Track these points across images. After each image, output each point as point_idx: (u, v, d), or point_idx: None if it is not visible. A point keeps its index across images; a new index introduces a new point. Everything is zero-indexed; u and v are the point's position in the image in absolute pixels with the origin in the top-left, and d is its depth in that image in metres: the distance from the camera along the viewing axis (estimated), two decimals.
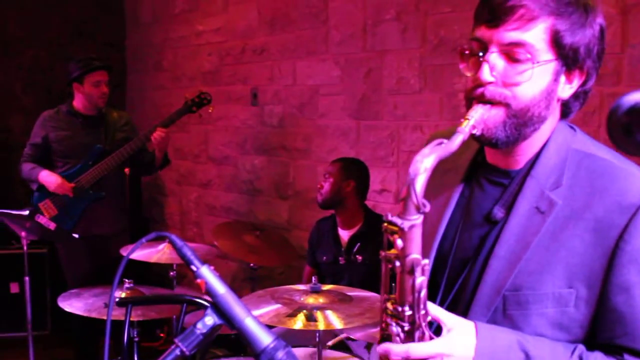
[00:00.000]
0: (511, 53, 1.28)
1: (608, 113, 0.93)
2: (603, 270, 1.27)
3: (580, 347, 1.30)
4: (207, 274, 1.07)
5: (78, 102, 4.38)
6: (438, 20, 3.55)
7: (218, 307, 1.06)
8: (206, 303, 2.40)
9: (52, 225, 3.88)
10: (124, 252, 3.75)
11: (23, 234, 3.81)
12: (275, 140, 4.76)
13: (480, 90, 1.30)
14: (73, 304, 3.21)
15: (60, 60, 5.91)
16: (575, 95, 1.36)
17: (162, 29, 5.83)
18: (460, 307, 1.37)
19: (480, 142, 1.35)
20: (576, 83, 1.34)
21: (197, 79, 5.44)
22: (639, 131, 0.74)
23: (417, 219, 1.17)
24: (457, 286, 1.40)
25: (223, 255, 4.69)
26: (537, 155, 1.37)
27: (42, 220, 3.87)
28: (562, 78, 1.33)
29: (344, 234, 3.60)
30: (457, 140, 1.24)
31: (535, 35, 1.27)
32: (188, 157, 5.68)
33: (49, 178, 4.24)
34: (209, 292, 1.07)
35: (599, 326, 1.30)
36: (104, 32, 6.19)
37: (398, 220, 1.16)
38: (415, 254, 1.18)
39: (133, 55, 6.29)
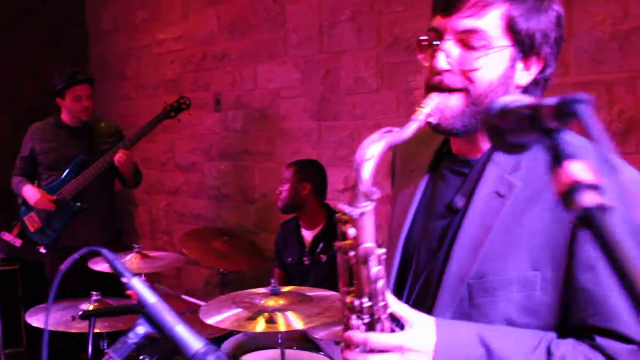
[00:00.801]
0: (466, 40, 1.28)
1: (482, 116, 0.95)
2: (566, 250, 1.24)
3: (549, 337, 1.26)
4: (138, 285, 1.10)
5: (64, 115, 4.40)
6: (392, 19, 3.59)
7: (149, 317, 1.09)
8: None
9: (17, 242, 3.89)
10: (94, 265, 3.75)
11: None
12: (239, 145, 4.78)
13: (437, 78, 1.29)
14: (41, 319, 3.22)
15: (27, 74, 5.90)
16: (535, 82, 1.34)
17: (125, 38, 5.83)
18: (428, 299, 1.35)
19: (438, 132, 1.33)
20: (534, 70, 1.32)
21: (160, 87, 5.45)
22: (509, 132, 0.77)
23: (368, 206, 1.16)
24: (422, 279, 1.39)
25: (194, 262, 4.71)
26: None
27: (8, 237, 3.87)
28: (520, 65, 1.31)
29: (307, 235, 3.64)
30: (411, 127, 1.23)
31: (489, 21, 1.27)
32: (155, 166, 5.68)
33: (29, 192, 4.27)
34: (140, 302, 1.09)
35: (570, 308, 1.26)
36: (68, 43, 6.17)
37: (348, 209, 1.16)
38: (368, 243, 1.17)
39: (97, 65, 6.28)
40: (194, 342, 1.08)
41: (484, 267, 1.29)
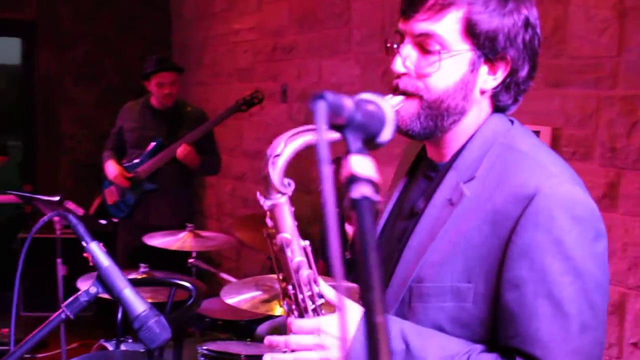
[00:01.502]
0: (423, 44, 1.27)
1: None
2: (498, 265, 1.22)
3: (475, 348, 1.25)
4: (95, 249, 1.21)
5: (153, 97, 4.65)
6: None
7: (101, 279, 1.19)
8: (190, 286, 2.55)
9: (80, 211, 4.12)
10: (148, 240, 3.92)
11: (56, 219, 4.06)
12: None
13: (395, 81, 1.30)
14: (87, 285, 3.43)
15: (109, 55, 6.20)
16: (505, 87, 1.31)
17: (204, 27, 6.04)
18: None
19: (399, 133, 1.31)
20: (501, 74, 1.29)
21: (234, 76, 5.62)
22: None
23: (280, 198, 1.21)
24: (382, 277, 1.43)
25: (246, 245, 4.85)
26: (462, 148, 1.33)
27: (71, 205, 4.10)
28: (484, 69, 1.29)
29: (350, 229, 3.69)
30: None
31: (446, 25, 1.25)
32: (224, 151, 5.85)
33: (109, 167, 4.56)
34: (95, 264, 1.20)
35: (498, 325, 1.24)
36: (152, 28, 6.44)
37: (261, 200, 1.21)
38: (285, 234, 1.23)
39: (178, 52, 6.52)
40: (138, 305, 1.18)
41: (423, 273, 1.29)
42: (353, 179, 0.62)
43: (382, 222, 1.49)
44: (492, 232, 1.23)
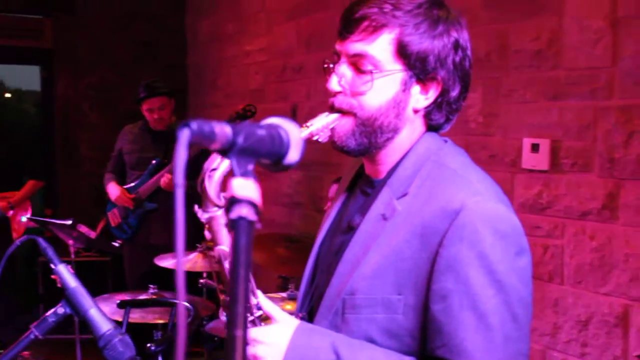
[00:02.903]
0: (357, 64, 1.32)
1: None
2: (427, 277, 1.26)
3: (404, 359, 1.28)
4: (63, 271, 1.26)
5: None
6: None
7: (68, 299, 1.24)
8: (189, 306, 2.59)
9: (92, 234, 4.21)
10: (159, 262, 3.98)
11: (70, 242, 4.16)
12: (311, 155, 4.90)
13: (330, 100, 1.36)
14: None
15: (125, 79, 6.32)
16: (437, 106, 1.36)
17: (217, 49, 6.13)
18: (315, 309, 1.42)
19: (335, 149, 1.39)
20: (432, 94, 1.35)
21: (246, 97, 5.69)
22: None
23: (217, 211, 1.23)
24: (318, 289, 1.46)
25: (262, 266, 4.89)
26: (397, 165, 1.38)
27: (83, 229, 4.19)
28: (416, 88, 1.34)
29: None
30: None
31: (379, 46, 1.30)
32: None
33: (111, 189, 4.66)
34: (63, 285, 1.25)
35: (426, 336, 1.28)
36: (167, 52, 6.55)
37: (199, 213, 1.24)
38: (223, 246, 1.26)
39: (194, 75, 6.62)
40: (103, 324, 1.22)
41: (356, 285, 1.33)
42: (233, 201, 0.66)
43: (321, 235, 1.53)
44: (421, 246, 1.27)
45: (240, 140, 0.73)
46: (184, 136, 0.65)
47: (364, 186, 1.47)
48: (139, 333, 3.92)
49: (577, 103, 2.93)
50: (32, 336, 1.22)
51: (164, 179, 4.48)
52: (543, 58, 3.05)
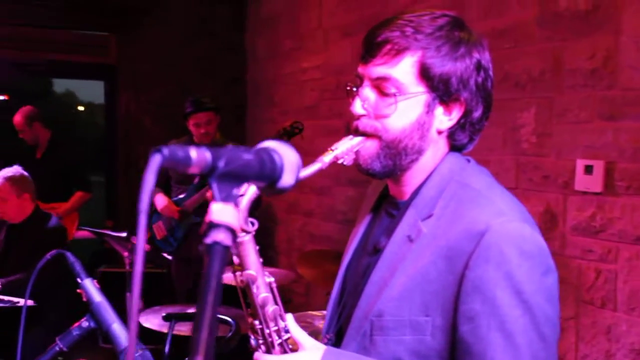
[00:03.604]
0: (380, 87, 1.34)
1: None
2: (454, 299, 1.27)
3: None
4: (89, 286, 1.28)
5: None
6: (502, 55, 3.57)
7: (93, 313, 1.26)
8: (230, 321, 2.61)
9: (146, 247, 4.29)
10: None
11: (125, 254, 4.25)
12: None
13: (355, 123, 1.37)
14: (148, 320, 3.55)
15: (186, 94, 6.43)
16: (461, 127, 1.37)
17: (274, 66, 6.20)
18: (343, 331, 1.42)
19: (360, 172, 1.40)
20: (456, 115, 1.36)
21: (301, 113, 5.71)
22: None
23: (245, 237, 1.26)
24: (346, 311, 1.46)
25: (299, 280, 4.90)
26: (421, 186, 1.39)
27: None
28: (440, 110, 1.36)
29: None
30: (311, 168, 1.33)
31: (402, 69, 1.32)
32: (294, 188, 5.94)
33: (158, 200, 4.74)
34: (88, 300, 1.27)
35: (454, 358, 1.28)
36: (228, 68, 6.65)
37: None
38: (251, 271, 1.28)
39: (252, 90, 6.70)
40: (125, 339, 1.24)
41: (384, 306, 1.34)
42: (211, 225, 0.66)
43: (348, 257, 1.54)
44: (447, 267, 1.28)
45: (221, 164, 0.73)
46: (154, 162, 0.66)
47: (389, 208, 1.48)
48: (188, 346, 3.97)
49: (633, 124, 2.84)
50: (57, 348, 1.25)
51: (209, 193, 4.54)
52: (598, 77, 2.97)
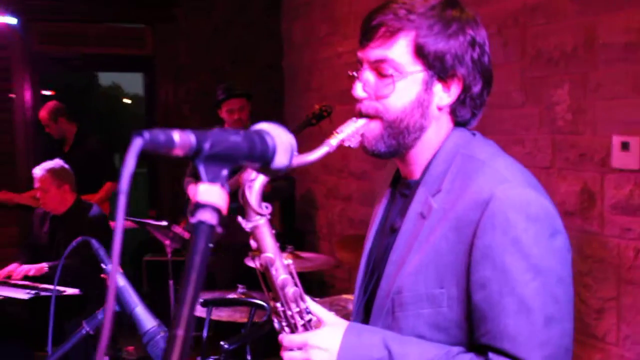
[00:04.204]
0: (379, 69, 1.37)
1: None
2: (466, 268, 1.30)
3: (453, 350, 1.31)
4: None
5: (225, 124, 4.89)
6: (535, 32, 3.52)
7: (117, 297, 1.30)
8: (266, 306, 2.64)
9: (186, 235, 4.34)
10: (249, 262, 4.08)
11: (167, 242, 4.33)
12: None
13: (357, 106, 1.41)
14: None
15: (223, 82, 6.50)
16: (461, 102, 1.40)
17: (311, 51, 6.21)
18: (370, 312, 1.46)
19: (366, 153, 1.43)
20: (454, 91, 1.39)
21: (338, 98, 5.72)
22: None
23: (260, 220, 1.28)
24: (369, 291, 1.50)
25: (350, 267, 4.91)
26: (429, 164, 1.42)
27: (178, 230, 4.34)
28: (438, 87, 1.39)
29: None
30: (319, 152, 1.33)
31: (397, 50, 1.36)
32: (333, 172, 5.97)
33: (192, 190, 4.78)
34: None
35: (471, 326, 1.32)
36: (264, 55, 6.69)
37: (243, 222, 1.29)
38: (268, 253, 1.30)
39: (289, 77, 6.73)
40: (148, 321, 1.27)
41: (402, 283, 1.37)
42: (197, 206, 0.68)
43: (370, 239, 1.58)
44: (458, 239, 1.31)
45: (206, 146, 0.75)
46: (135, 145, 0.68)
47: (402, 188, 1.51)
48: (228, 331, 4.05)
49: None
50: (83, 331, 1.30)
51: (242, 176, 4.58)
52: (633, 51, 2.91)
